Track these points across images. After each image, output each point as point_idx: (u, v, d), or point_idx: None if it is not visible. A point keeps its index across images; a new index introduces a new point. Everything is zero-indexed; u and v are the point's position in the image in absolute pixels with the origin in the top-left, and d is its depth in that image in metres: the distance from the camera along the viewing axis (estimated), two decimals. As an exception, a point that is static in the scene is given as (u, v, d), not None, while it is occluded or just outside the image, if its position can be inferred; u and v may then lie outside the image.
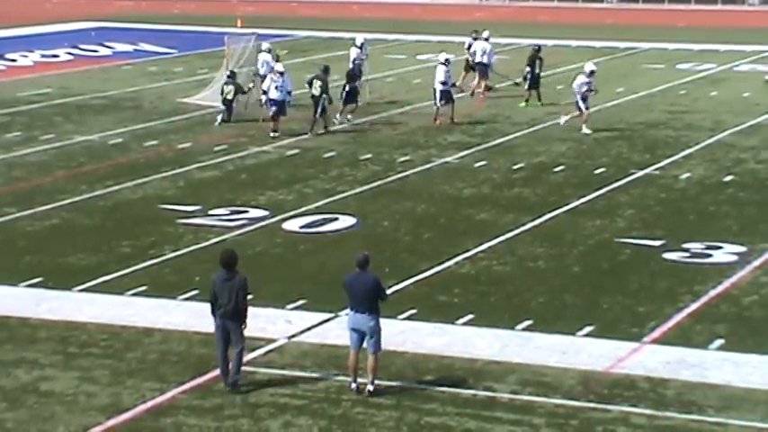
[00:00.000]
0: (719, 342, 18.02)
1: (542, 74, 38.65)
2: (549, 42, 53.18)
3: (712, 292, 20.24)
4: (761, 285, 20.60)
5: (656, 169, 29.32)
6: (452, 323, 18.85)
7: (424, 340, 17.96)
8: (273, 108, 33.23)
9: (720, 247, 22.67)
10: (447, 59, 34.99)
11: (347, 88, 35.01)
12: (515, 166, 29.63)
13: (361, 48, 38.35)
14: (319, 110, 33.67)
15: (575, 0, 74.75)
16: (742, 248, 22.58)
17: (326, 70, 34.55)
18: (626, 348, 17.78)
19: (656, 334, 18.39)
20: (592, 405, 15.85)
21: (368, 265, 16.17)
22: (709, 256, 22.30)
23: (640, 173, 28.89)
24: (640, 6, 72.32)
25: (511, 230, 24.01)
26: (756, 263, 21.80)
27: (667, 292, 20.27)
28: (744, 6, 71.75)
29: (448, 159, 30.50)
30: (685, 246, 22.78)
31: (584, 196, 26.66)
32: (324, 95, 33.65)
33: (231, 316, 16.02)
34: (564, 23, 61.61)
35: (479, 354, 17.61)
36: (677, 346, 17.86)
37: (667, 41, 53.70)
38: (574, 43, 51.12)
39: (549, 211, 25.38)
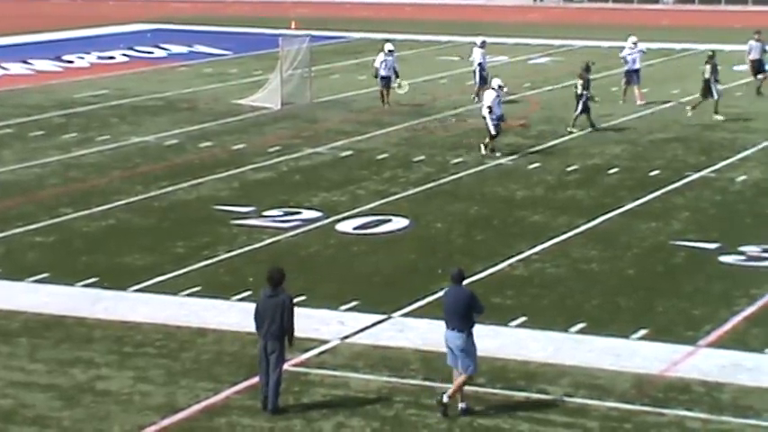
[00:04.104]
0: (776, 346, 17.87)
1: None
2: (605, 44, 52.95)
3: (768, 296, 20.08)
4: (818, 289, 20.40)
5: (711, 171, 29.10)
6: (505, 325, 18.80)
7: (477, 342, 17.92)
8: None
9: (777, 251, 22.48)
10: (483, 41, 37.82)
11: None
12: (569, 168, 29.52)
13: (390, 53, 38.30)
14: (580, 107, 33.59)
15: (629, 1, 74.33)
16: (799, 252, 22.38)
17: (588, 68, 34.41)
18: (681, 351, 17.66)
19: (711, 337, 18.25)
20: (646, 408, 15.75)
21: (463, 280, 15.69)
22: (766, 259, 22.09)
23: (696, 175, 28.69)
24: (696, 7, 71.82)
25: (564, 233, 23.92)
26: (813, 266, 21.59)
27: (723, 296, 20.11)
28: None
29: (501, 161, 30.42)
30: (741, 249, 22.59)
31: (638, 198, 26.51)
32: (584, 93, 33.50)
33: (274, 336, 15.50)
34: (618, 24, 61.26)
35: (532, 356, 17.56)
36: (733, 350, 17.71)
37: (724, 42, 53.23)
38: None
39: (603, 214, 25.25)
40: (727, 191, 27.33)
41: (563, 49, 52.92)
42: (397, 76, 38.05)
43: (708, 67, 35.79)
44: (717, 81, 35.56)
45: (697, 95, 36.39)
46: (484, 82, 38.35)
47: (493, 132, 30.75)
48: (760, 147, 31.79)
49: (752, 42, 39.21)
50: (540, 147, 31.77)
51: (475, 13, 70.69)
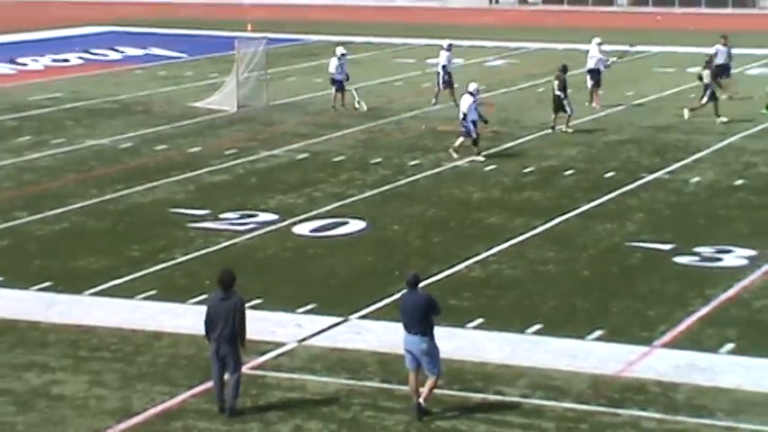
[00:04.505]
0: (730, 346, 17.99)
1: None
2: (560, 46, 53.20)
3: (723, 296, 20.21)
4: (771, 289, 20.58)
5: (665, 173, 29.29)
6: (462, 327, 18.84)
7: (433, 344, 17.97)
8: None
9: (731, 251, 22.63)
10: (450, 44, 38.37)
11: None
12: (525, 170, 29.62)
13: (342, 56, 38.38)
14: (568, 109, 34.01)
15: (584, 4, 74.69)
16: (752, 252, 22.54)
17: (564, 69, 34.69)
18: (636, 352, 17.76)
19: (666, 338, 18.37)
20: (602, 409, 15.83)
21: (418, 284, 15.72)
22: (720, 259, 22.26)
23: (650, 177, 28.86)
24: (650, 10, 72.26)
25: (521, 234, 24.00)
26: (767, 267, 21.75)
27: (678, 296, 20.24)
28: (754, 10, 71.66)
29: (458, 163, 30.48)
30: (696, 249, 22.75)
31: (594, 200, 26.64)
32: (559, 93, 33.81)
33: (227, 340, 15.46)
34: (573, 27, 61.57)
35: (489, 357, 17.60)
36: (688, 350, 17.83)
37: (678, 45, 53.63)
38: (584, 47, 50.92)
39: (560, 215, 25.36)
40: (682, 192, 27.51)
41: (518, 52, 53.12)
42: (347, 79, 38.09)
43: (707, 72, 36.07)
44: (717, 84, 35.95)
45: (693, 96, 36.69)
46: (447, 85, 38.45)
47: (474, 135, 30.73)
48: (713, 148, 32.03)
49: (718, 47, 39.46)
50: (497, 149, 31.85)
51: (430, 16, 70.79)
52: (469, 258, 22.39)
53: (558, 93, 34.01)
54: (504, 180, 28.71)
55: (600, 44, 39.19)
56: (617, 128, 34.70)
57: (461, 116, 30.80)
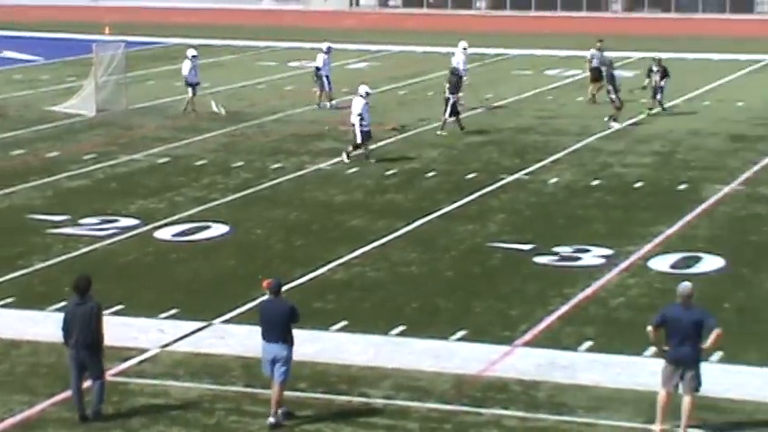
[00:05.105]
0: (589, 344, 18.33)
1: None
2: (419, 49, 53.64)
3: (581, 295, 20.59)
4: (627, 287, 21.02)
5: (526, 174, 29.73)
6: (326, 329, 18.87)
7: (297, 347, 17.91)
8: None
9: (589, 251, 23.06)
10: (329, 48, 39.09)
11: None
12: (388, 173, 29.78)
13: (194, 58, 38.26)
14: (449, 110, 34.18)
15: (444, 7, 75.38)
16: (609, 251, 23.00)
17: (454, 72, 35.33)
18: (498, 351, 17.99)
19: (527, 337, 18.64)
20: (465, 408, 16.00)
21: (280, 291, 15.67)
22: (578, 259, 22.67)
23: (510, 178, 29.26)
24: (508, 13, 73.24)
25: (384, 236, 24.13)
26: (623, 265, 22.23)
27: (538, 296, 20.56)
28: (607, 13, 73.07)
29: (321, 166, 30.52)
30: (555, 249, 23.13)
31: (455, 201, 26.91)
32: (451, 96, 34.16)
33: (85, 345, 15.31)
34: (433, 30, 62.11)
35: (353, 360, 17.66)
36: (548, 349, 18.12)
37: (535, 48, 54.49)
38: (443, 50, 51.47)
39: (422, 217, 25.56)
40: (541, 193, 27.95)
41: (380, 54, 53.38)
42: (198, 84, 37.95)
43: (657, 77, 36.96)
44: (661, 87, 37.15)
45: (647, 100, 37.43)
46: (321, 88, 38.51)
47: (359, 140, 30.73)
48: (570, 149, 32.60)
49: (593, 50, 40.08)
50: (359, 151, 31.94)
51: (292, 19, 70.74)
52: (333, 261, 22.43)
53: (449, 95, 34.35)
54: (367, 182, 28.83)
55: (465, 49, 39.58)
56: (478, 130, 35.10)
57: (357, 118, 30.71)
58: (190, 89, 37.89)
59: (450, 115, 34.36)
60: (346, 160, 30.64)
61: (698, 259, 22.54)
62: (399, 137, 33.68)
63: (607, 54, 39.42)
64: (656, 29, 63.57)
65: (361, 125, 30.66)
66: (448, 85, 34.71)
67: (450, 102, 34.34)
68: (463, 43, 39.92)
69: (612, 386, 16.72)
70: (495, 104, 39.64)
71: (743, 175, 29.27)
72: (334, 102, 38.55)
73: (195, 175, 29.55)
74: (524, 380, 16.91)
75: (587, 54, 40.45)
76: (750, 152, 31.94)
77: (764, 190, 27.89)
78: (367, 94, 31.29)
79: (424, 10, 75.24)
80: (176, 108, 38.62)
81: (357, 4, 78.05)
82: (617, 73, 37.04)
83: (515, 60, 51.55)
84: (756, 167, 30.15)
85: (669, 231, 24.42)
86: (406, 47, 55.13)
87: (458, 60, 39.05)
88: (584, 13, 71.89)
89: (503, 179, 29.07)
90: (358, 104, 30.84)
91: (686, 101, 39.91)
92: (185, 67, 38.26)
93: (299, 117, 37.52)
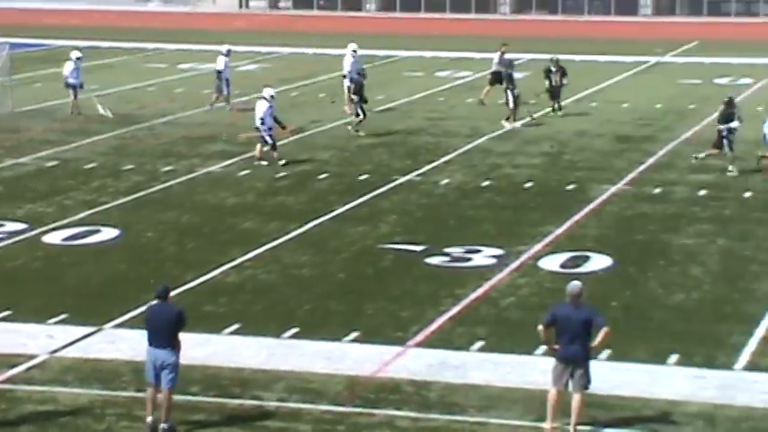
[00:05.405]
0: (480, 343, 18.52)
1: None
2: (310, 51, 53.62)
3: (472, 295, 20.78)
4: (517, 287, 21.27)
5: (417, 175, 29.90)
6: (218, 333, 18.80)
7: (188, 351, 17.83)
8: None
9: (479, 251, 23.29)
10: (229, 50, 38.95)
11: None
12: (279, 175, 29.74)
13: (78, 60, 37.93)
14: (359, 110, 34.67)
15: (333, 9, 75.42)
16: (500, 251, 23.25)
17: (361, 73, 36.01)
18: (390, 352, 18.09)
19: (419, 337, 18.77)
20: (358, 410, 16.07)
21: (168, 296, 15.51)
22: (469, 259, 22.88)
23: (402, 179, 29.41)
24: (398, 15, 73.52)
25: (276, 239, 24.11)
26: (513, 265, 22.49)
27: (429, 296, 20.71)
28: (495, 15, 73.71)
29: (211, 169, 30.37)
30: (446, 250, 23.31)
31: (347, 203, 26.98)
32: (357, 98, 34.68)
33: None
34: (323, 31, 62.10)
35: (246, 363, 17.63)
36: (440, 349, 18.27)
37: (425, 49, 54.79)
38: (333, 52, 51.54)
39: (314, 219, 25.58)
40: (432, 194, 28.14)
41: (270, 56, 53.24)
42: (82, 87, 37.49)
43: (557, 77, 37.53)
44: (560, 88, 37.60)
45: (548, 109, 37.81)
46: (219, 91, 38.29)
47: (269, 142, 30.58)
48: (461, 150, 32.86)
49: (498, 53, 40.28)
50: (250, 153, 31.84)
51: (180, 21, 70.21)
52: (225, 264, 22.35)
53: (353, 96, 34.99)
54: (258, 185, 28.77)
55: (354, 51, 39.62)
56: (369, 131, 35.20)
57: (259, 122, 30.59)
58: (71, 91, 37.46)
59: (357, 115, 34.66)
60: (260, 162, 30.46)
61: (586, 258, 22.90)
62: (291, 139, 33.63)
63: (507, 56, 39.62)
64: (543, 31, 64.28)
65: (261, 129, 30.59)
66: (352, 87, 35.41)
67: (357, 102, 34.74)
68: (352, 45, 39.99)
69: (503, 385, 16.92)
70: (385, 107, 39.76)
71: (629, 176, 29.79)
72: (230, 104, 38.36)
73: (84, 179, 29.21)
74: (416, 380, 17.04)
75: (494, 57, 40.39)
76: (635, 152, 32.52)
77: (650, 190, 28.43)
78: (272, 97, 31.17)
79: (315, 12, 75.19)
80: (64, 111, 38.13)
81: (247, 5, 77.75)
82: (516, 74, 37.46)
83: (406, 62, 51.80)
84: (642, 167, 30.71)
85: (558, 231, 24.77)
86: (297, 48, 55.08)
87: (348, 63, 39.07)
88: (473, 15, 72.44)
89: (394, 180, 29.21)
90: (261, 108, 30.78)
91: (574, 102, 40.46)
92: (67, 68, 37.83)
93: (190, 120, 37.29)
